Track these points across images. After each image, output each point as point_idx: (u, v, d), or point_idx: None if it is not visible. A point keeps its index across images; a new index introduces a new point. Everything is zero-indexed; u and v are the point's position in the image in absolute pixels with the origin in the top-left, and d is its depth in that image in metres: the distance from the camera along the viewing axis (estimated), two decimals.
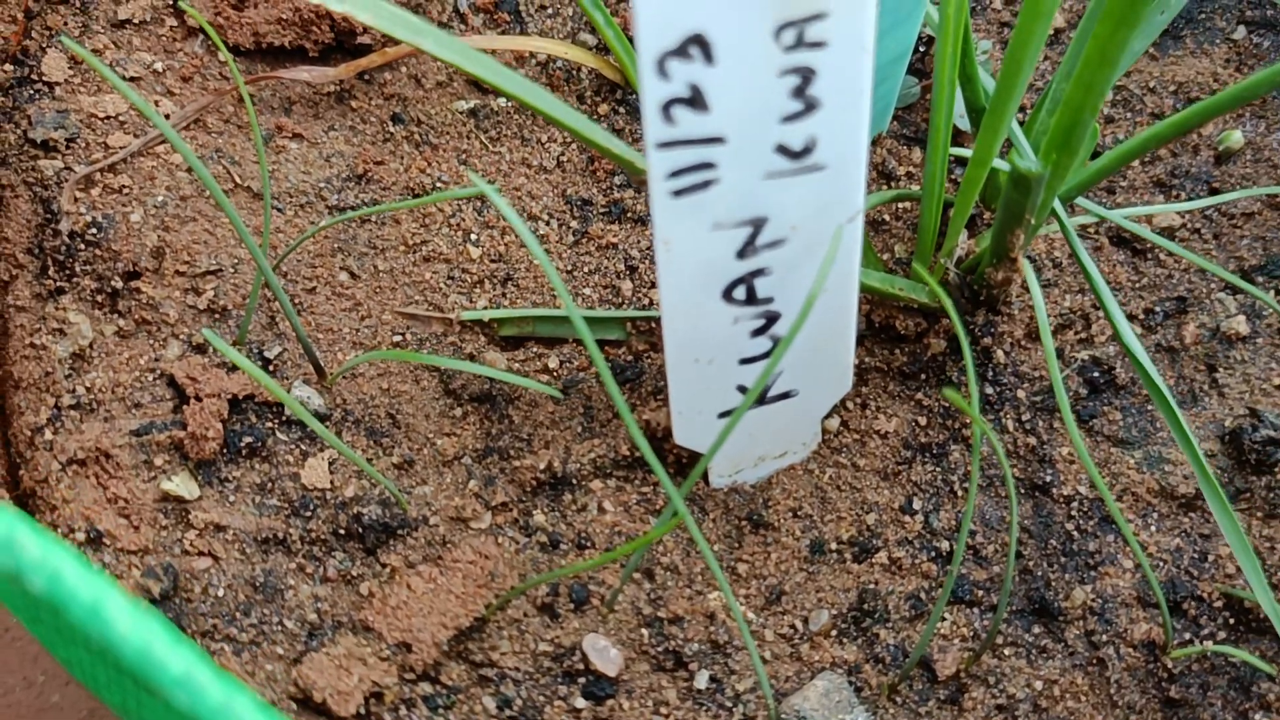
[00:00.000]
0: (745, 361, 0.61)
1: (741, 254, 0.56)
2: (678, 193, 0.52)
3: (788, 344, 0.52)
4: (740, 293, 0.57)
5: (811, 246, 0.56)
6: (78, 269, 0.68)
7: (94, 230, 0.69)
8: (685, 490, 0.52)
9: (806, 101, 0.50)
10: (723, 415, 0.63)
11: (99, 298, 0.68)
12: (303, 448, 0.67)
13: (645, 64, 0.47)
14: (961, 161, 0.76)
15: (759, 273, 0.57)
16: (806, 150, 0.52)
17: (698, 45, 0.47)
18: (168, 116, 0.74)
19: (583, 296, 0.72)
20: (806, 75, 0.49)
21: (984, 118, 0.59)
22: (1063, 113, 0.55)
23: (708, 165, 0.51)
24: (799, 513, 0.67)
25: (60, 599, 0.36)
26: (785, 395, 0.64)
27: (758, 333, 0.60)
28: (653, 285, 0.73)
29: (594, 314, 0.69)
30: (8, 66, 0.74)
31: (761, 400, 0.64)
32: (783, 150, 0.52)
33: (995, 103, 0.58)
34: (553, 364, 0.70)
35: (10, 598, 0.43)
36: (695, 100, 0.49)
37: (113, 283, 0.68)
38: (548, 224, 0.75)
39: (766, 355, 0.61)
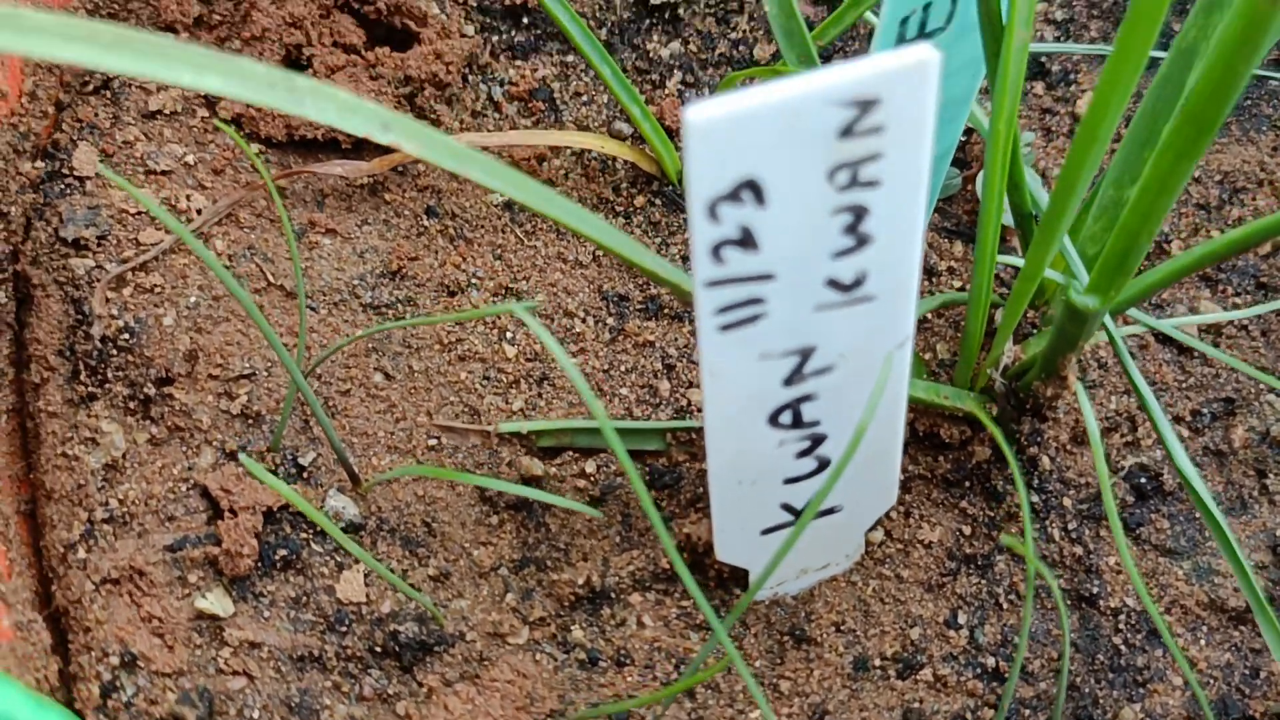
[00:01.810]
0: (790, 481, 0.60)
1: (789, 381, 0.54)
2: (726, 327, 0.51)
3: (837, 475, 0.51)
4: (786, 417, 0.56)
5: (860, 371, 0.55)
6: (110, 375, 0.67)
7: (126, 335, 0.68)
8: (729, 623, 0.51)
9: (858, 237, 0.49)
10: (766, 532, 0.62)
11: (131, 404, 0.67)
12: (337, 559, 0.66)
13: (696, 209, 0.46)
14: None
15: (806, 398, 0.56)
16: (857, 283, 0.51)
17: (750, 189, 0.46)
18: (199, 212, 0.74)
19: (619, 397, 0.71)
20: (859, 213, 0.48)
21: (1035, 235, 0.58)
22: (1118, 238, 0.54)
23: (757, 300, 0.50)
24: (842, 627, 0.66)
25: None
26: (830, 511, 0.63)
27: (803, 454, 0.59)
28: (690, 385, 0.72)
29: (633, 425, 0.68)
30: (39, 163, 0.73)
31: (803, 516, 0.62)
32: (833, 284, 0.51)
33: (1047, 221, 0.57)
34: (589, 469, 0.69)
35: None
36: (745, 240, 0.48)
37: (145, 389, 0.67)
38: (584, 321, 0.74)
39: (811, 475, 0.60)
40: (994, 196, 0.60)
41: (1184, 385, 0.72)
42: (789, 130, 0.44)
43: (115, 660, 0.60)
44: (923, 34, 0.60)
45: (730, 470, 0.58)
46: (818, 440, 0.58)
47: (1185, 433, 0.71)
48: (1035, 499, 0.68)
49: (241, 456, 0.55)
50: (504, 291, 0.74)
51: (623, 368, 0.72)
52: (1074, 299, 0.54)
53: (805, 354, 0.53)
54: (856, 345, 0.54)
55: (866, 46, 0.82)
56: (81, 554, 0.63)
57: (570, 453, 0.69)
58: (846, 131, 0.45)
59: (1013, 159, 0.66)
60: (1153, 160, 0.50)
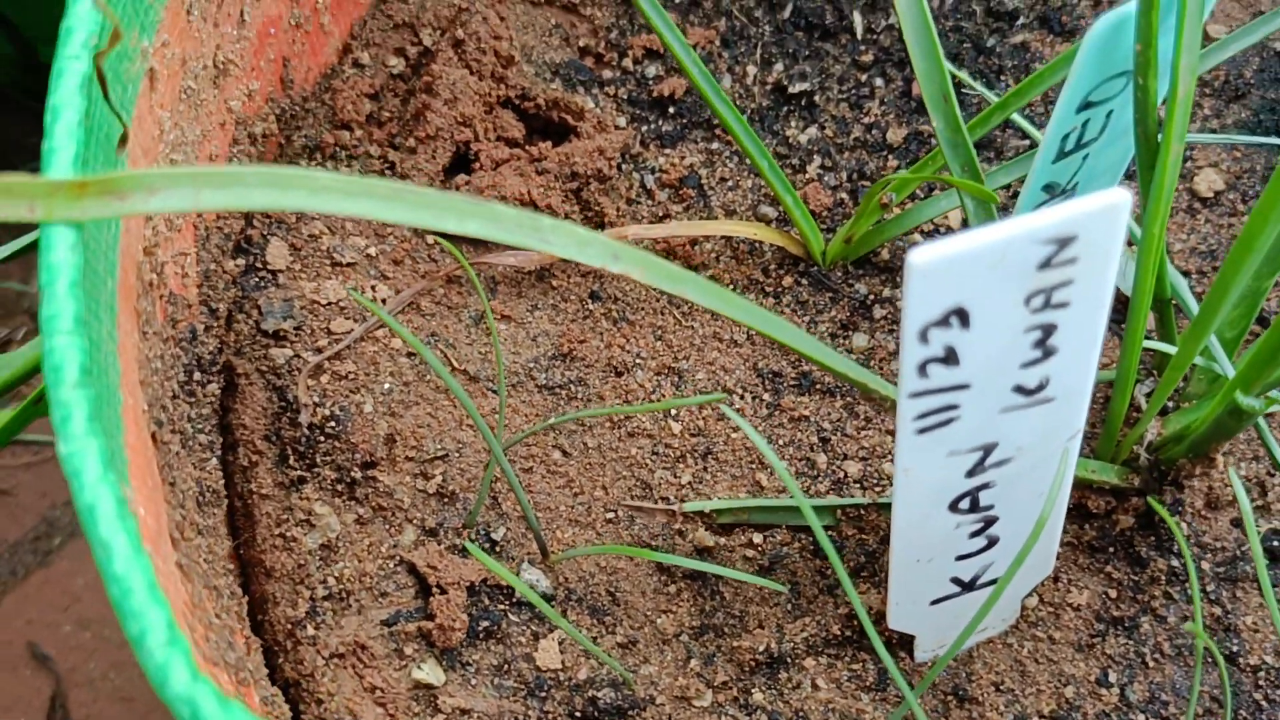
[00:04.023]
0: (961, 558, 0.65)
1: (970, 473, 0.60)
2: (922, 430, 0.56)
3: (1019, 563, 0.56)
4: (965, 504, 0.62)
5: (1035, 462, 0.60)
6: (318, 459, 0.73)
7: (333, 423, 0.74)
8: (921, 690, 0.56)
9: (1045, 350, 0.54)
10: (934, 602, 0.67)
11: (338, 487, 0.73)
12: (534, 629, 0.71)
13: (909, 333, 0.51)
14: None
15: (984, 486, 0.61)
16: (1040, 388, 0.56)
17: (957, 315, 0.51)
18: (384, 301, 0.80)
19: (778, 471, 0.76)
20: (1048, 330, 0.53)
21: (1188, 330, 0.63)
22: (1270, 337, 0.59)
23: (952, 407, 0.55)
24: (1001, 686, 0.71)
25: None
26: (993, 581, 0.68)
27: (975, 534, 0.64)
28: (845, 457, 0.77)
29: (816, 503, 0.73)
30: (239, 260, 0.79)
31: (970, 587, 0.68)
32: (1019, 389, 0.56)
33: (1200, 319, 0.62)
34: (757, 539, 0.74)
35: None
36: (949, 358, 0.53)
37: (352, 473, 0.73)
38: (741, 397, 0.79)
39: (981, 551, 0.65)
40: (1144, 294, 0.65)
41: None
42: (996, 265, 0.50)
43: None
44: (1079, 146, 0.65)
45: (911, 551, 0.64)
46: (990, 522, 0.63)
47: None
48: (1175, 563, 0.73)
49: (470, 545, 0.61)
50: (666, 371, 0.79)
51: (780, 441, 0.78)
52: (1240, 401, 0.59)
53: (988, 449, 0.59)
54: (1034, 440, 0.59)
55: (1011, 140, 0.87)
56: (310, 630, 0.68)
57: (743, 529, 0.74)
58: (1045, 264, 0.50)
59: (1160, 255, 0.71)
60: None
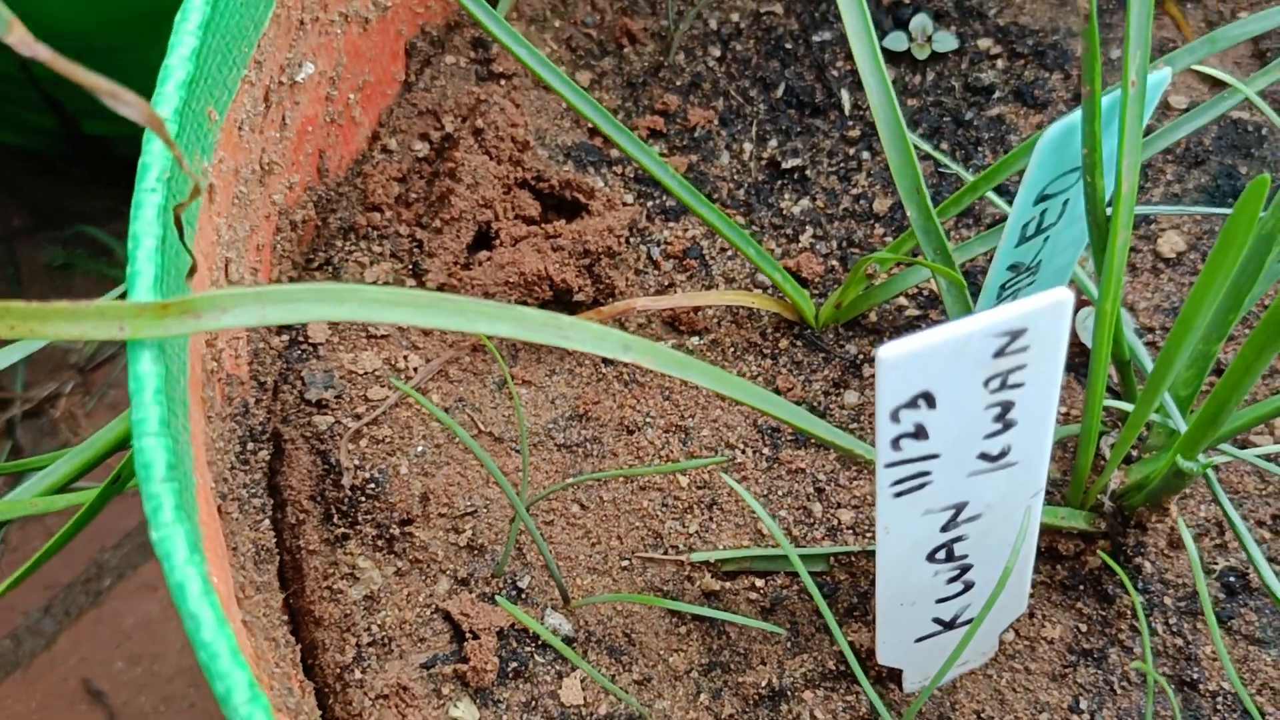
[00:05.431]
0: (940, 600, 0.73)
1: (945, 528, 0.67)
2: (898, 494, 0.64)
3: (988, 610, 0.63)
4: (941, 554, 0.69)
5: (1002, 516, 0.68)
6: (359, 518, 0.81)
7: (372, 485, 0.81)
8: (910, 717, 0.64)
9: (1005, 423, 0.62)
10: (919, 640, 0.75)
11: (379, 542, 0.81)
12: (557, 668, 0.79)
13: (882, 414, 0.59)
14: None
15: (958, 539, 0.68)
16: (1003, 454, 0.64)
17: (924, 398, 0.59)
18: (415, 370, 0.87)
19: (778, 518, 0.84)
20: (1006, 406, 0.61)
21: (1143, 392, 0.71)
22: (1211, 403, 0.67)
23: (924, 474, 0.63)
24: (982, 714, 0.78)
25: None
26: (971, 620, 0.75)
27: (952, 580, 0.71)
28: (839, 506, 0.84)
29: (804, 551, 0.81)
30: (283, 336, 0.87)
31: (950, 625, 0.75)
32: (984, 456, 0.64)
33: (1153, 382, 0.70)
34: (759, 584, 0.82)
35: None
36: (919, 433, 0.61)
37: (390, 530, 0.81)
38: (743, 452, 0.87)
39: (958, 595, 0.72)
40: (1102, 360, 0.72)
41: (1264, 492, 0.84)
42: (957, 356, 0.57)
43: None
44: (1039, 230, 0.72)
45: (894, 595, 0.71)
46: (965, 569, 0.71)
47: (1268, 534, 0.83)
48: (1140, 599, 0.80)
49: (500, 599, 0.69)
50: (674, 428, 0.87)
51: (779, 492, 0.85)
52: (1181, 464, 0.66)
53: (959, 508, 0.66)
54: (1000, 498, 0.66)
55: (988, 208, 0.95)
56: (358, 674, 0.76)
57: (746, 575, 0.82)
58: (1000, 352, 0.58)
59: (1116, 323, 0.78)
60: (1240, 353, 0.63)
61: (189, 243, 0.61)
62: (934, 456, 0.62)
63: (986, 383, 0.59)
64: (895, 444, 0.61)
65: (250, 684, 0.52)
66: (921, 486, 0.64)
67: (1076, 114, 0.66)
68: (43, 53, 0.46)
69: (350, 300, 0.58)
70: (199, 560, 0.53)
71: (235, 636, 0.53)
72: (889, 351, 0.56)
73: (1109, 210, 0.69)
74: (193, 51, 0.63)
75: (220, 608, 0.53)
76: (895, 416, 0.59)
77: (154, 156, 0.60)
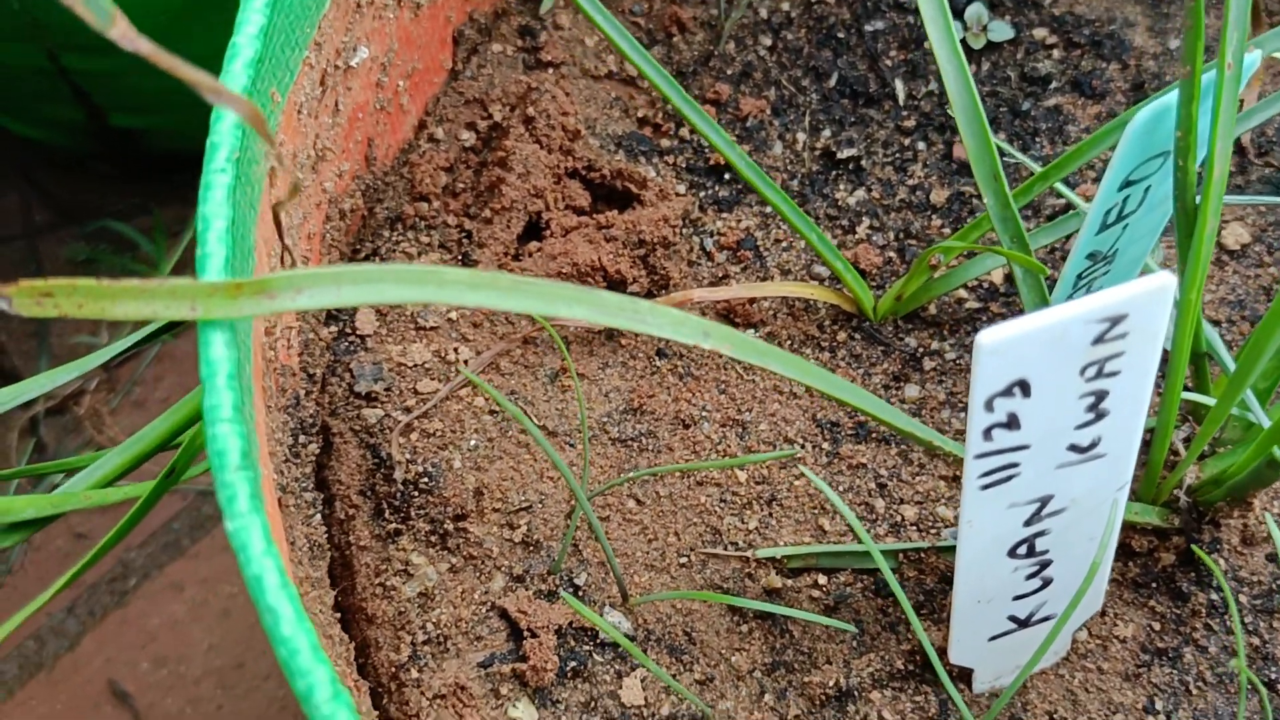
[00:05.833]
0: (1018, 598, 0.71)
1: (1028, 523, 0.65)
2: (985, 486, 0.62)
3: (1074, 608, 0.61)
4: (1023, 550, 0.67)
5: (1087, 511, 0.66)
6: (412, 513, 0.79)
7: (425, 479, 0.79)
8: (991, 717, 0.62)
9: (1098, 413, 0.60)
10: (993, 638, 0.73)
11: (432, 538, 0.79)
12: (617, 668, 0.77)
13: (976, 403, 0.57)
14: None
15: (1040, 533, 0.66)
16: (1092, 445, 0.62)
17: (1019, 386, 0.57)
18: (466, 362, 0.85)
19: (841, 515, 0.82)
20: (1100, 395, 0.59)
21: (1227, 386, 0.69)
22: None
23: (1013, 465, 0.61)
24: (1054, 715, 0.76)
25: None
26: (1046, 618, 0.73)
27: (1031, 576, 0.69)
28: (902, 502, 0.82)
29: (885, 547, 0.79)
30: (331, 327, 0.85)
31: (1025, 624, 0.73)
32: (1073, 448, 0.62)
33: (1237, 376, 0.68)
34: (823, 581, 0.80)
35: None
36: (1010, 423, 0.59)
37: (444, 525, 0.79)
38: (802, 446, 0.85)
39: (1035, 592, 0.70)
40: (1183, 351, 0.70)
41: None
42: (1056, 342, 0.55)
43: None
44: (1120, 218, 0.70)
45: (972, 593, 0.69)
46: (1045, 565, 0.69)
47: None
48: (1214, 597, 0.78)
49: (565, 595, 0.67)
50: (731, 422, 0.85)
51: (840, 487, 0.83)
52: (1277, 455, 0.64)
53: (1045, 501, 0.64)
54: (1086, 491, 0.65)
55: (1047, 200, 0.93)
56: (414, 673, 0.74)
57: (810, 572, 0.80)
58: (1099, 339, 0.56)
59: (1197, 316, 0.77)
60: None
61: (294, 254, 0.59)
62: (1024, 448, 0.60)
63: (1083, 370, 0.57)
64: (987, 434, 0.59)
65: (333, 680, 0.50)
66: (1009, 479, 0.62)
67: (1168, 96, 0.64)
68: (145, 47, 0.44)
69: (430, 282, 0.56)
70: (275, 552, 0.51)
71: (315, 631, 0.51)
72: (988, 337, 0.54)
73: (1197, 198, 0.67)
74: (260, 29, 0.60)
75: (299, 601, 0.51)
76: (989, 405, 0.57)
77: (223, 136, 0.58)
